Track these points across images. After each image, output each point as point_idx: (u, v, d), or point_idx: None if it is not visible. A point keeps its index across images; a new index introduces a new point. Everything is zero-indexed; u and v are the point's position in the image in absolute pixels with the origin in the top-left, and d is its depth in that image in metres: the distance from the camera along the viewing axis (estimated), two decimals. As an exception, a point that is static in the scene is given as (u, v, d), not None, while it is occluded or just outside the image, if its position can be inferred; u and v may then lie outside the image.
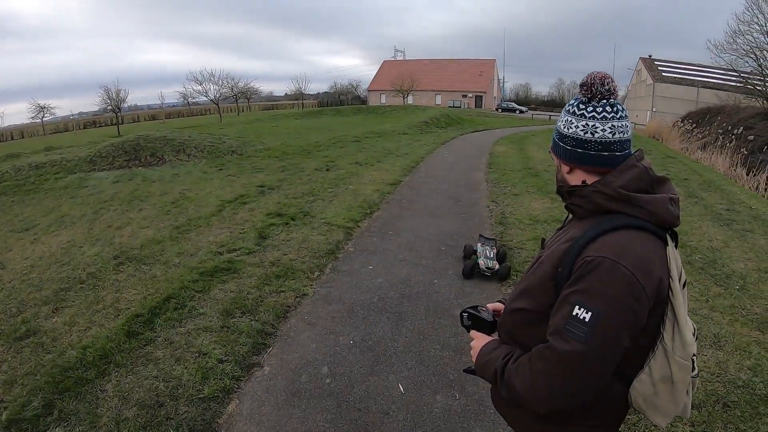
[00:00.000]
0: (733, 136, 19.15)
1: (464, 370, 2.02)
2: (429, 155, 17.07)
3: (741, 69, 29.98)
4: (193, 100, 68.21)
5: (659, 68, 57.06)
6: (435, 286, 5.84)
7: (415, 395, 3.88)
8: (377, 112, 47.50)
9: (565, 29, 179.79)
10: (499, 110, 69.27)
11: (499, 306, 2.03)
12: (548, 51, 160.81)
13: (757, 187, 14.21)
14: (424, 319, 5.06)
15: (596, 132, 1.59)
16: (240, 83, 64.32)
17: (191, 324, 5.06)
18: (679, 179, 11.81)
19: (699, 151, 20.86)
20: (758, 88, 28.12)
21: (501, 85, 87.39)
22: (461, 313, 1.99)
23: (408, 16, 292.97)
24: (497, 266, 5.89)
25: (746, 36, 28.47)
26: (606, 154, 1.60)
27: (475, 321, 1.94)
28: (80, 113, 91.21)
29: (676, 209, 1.58)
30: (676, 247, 1.61)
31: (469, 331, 1.95)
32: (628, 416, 1.92)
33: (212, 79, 59.84)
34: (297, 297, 5.65)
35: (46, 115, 67.32)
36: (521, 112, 68.43)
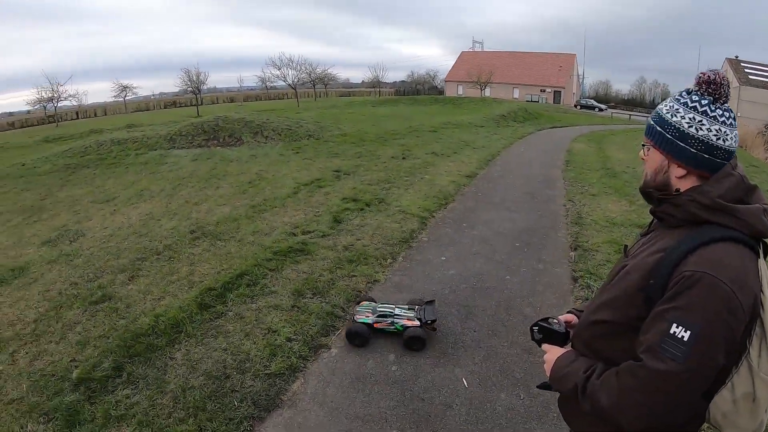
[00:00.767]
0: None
1: (538, 386, 1.96)
2: (506, 149, 16.88)
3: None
4: (272, 85, 70.31)
5: (746, 70, 53.23)
6: (507, 283, 5.75)
7: (479, 391, 3.85)
8: (454, 102, 47.21)
9: (646, 23, 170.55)
10: (578, 107, 66.99)
11: (570, 317, 1.98)
12: (629, 46, 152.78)
13: None
14: (494, 315, 5.00)
15: (726, 140, 1.51)
16: (318, 69, 65.64)
17: (262, 301, 5.25)
18: (763, 191, 11.02)
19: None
20: None
21: (580, 81, 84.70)
22: (531, 328, 1.94)
23: (486, 5, 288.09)
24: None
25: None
26: (724, 163, 1.53)
27: (546, 334, 1.89)
28: (161, 93, 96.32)
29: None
30: (765, 258, 1.54)
31: (540, 345, 1.90)
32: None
33: (291, 64, 61.38)
34: (368, 282, 5.74)
35: (128, 95, 71.23)
36: (600, 110, 65.93)
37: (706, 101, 1.53)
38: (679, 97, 1.59)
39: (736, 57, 56.24)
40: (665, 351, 1.36)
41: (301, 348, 4.39)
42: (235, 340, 4.55)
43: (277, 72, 61.24)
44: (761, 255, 1.49)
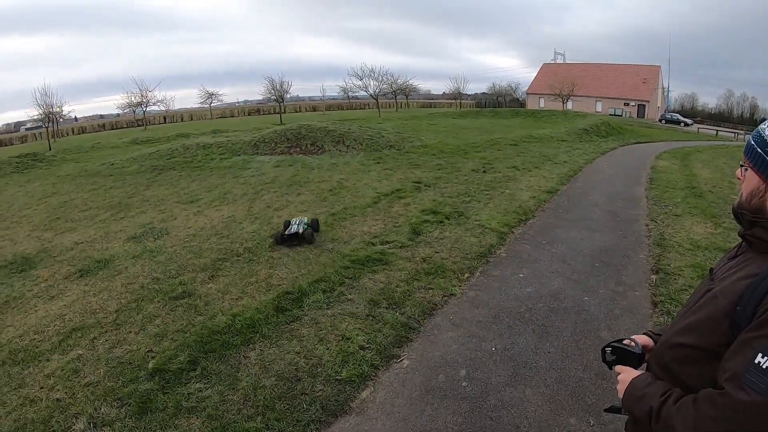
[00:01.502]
0: None
1: (606, 410, 1.93)
2: (588, 165, 16.43)
3: None
4: (353, 94, 71.70)
5: None
6: (585, 304, 5.61)
7: (548, 414, 3.78)
8: (535, 116, 46.43)
9: (735, 32, 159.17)
10: (663, 121, 64.56)
11: (646, 340, 1.91)
12: (716, 57, 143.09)
13: None
14: (570, 337, 4.89)
15: None
16: (399, 80, 66.45)
17: (338, 308, 5.39)
18: None
19: None
20: None
21: (665, 94, 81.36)
22: (603, 349, 1.90)
23: (567, 15, 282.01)
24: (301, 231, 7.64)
25: None
26: None
27: (620, 355, 1.85)
28: (245, 101, 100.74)
29: None
30: None
31: (611, 367, 1.87)
32: None
33: (372, 75, 62.48)
34: (445, 296, 5.77)
35: (213, 101, 74.82)
36: (686, 124, 63.05)
37: None
38: None
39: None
40: (749, 381, 1.32)
41: (373, 357, 4.47)
42: (309, 344, 4.70)
43: (359, 82, 62.56)
44: None
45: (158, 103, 65.50)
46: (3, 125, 79.25)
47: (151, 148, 23.36)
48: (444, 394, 4.01)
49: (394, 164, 15.27)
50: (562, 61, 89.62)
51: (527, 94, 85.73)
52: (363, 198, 10.46)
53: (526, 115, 47.68)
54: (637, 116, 67.88)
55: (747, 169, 1.60)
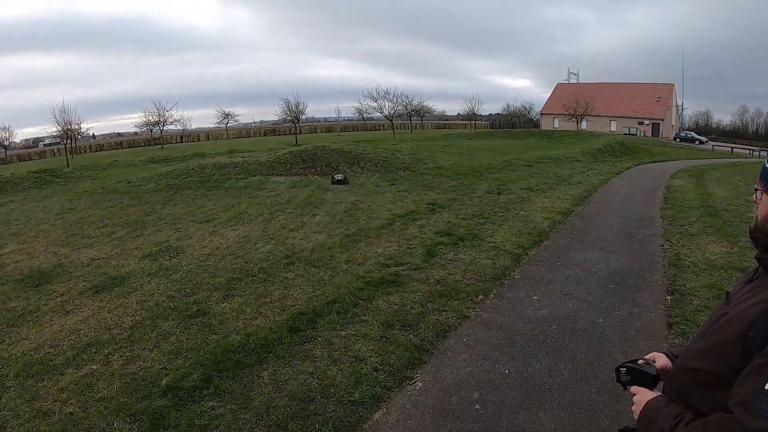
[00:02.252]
0: None
1: (620, 430, 1.93)
2: (603, 185, 16.41)
3: None
4: (368, 116, 72.30)
5: None
6: (599, 326, 5.58)
7: None
8: (550, 136, 46.58)
9: (748, 46, 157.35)
10: (677, 140, 64.43)
11: (664, 361, 1.93)
12: (729, 72, 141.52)
13: None
14: (584, 359, 4.86)
15: None
16: (414, 101, 67.03)
17: (352, 329, 5.42)
18: None
19: None
20: None
21: (679, 111, 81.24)
22: (618, 369, 1.91)
23: (580, 33, 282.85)
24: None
25: None
26: None
27: (635, 375, 1.86)
28: (261, 121, 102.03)
29: None
30: None
31: (625, 388, 1.88)
32: None
33: (387, 96, 63.08)
34: (458, 318, 5.77)
35: (230, 122, 75.65)
36: (701, 142, 62.77)
37: None
38: None
39: None
40: (757, 407, 1.32)
41: (387, 378, 4.48)
42: (322, 365, 4.72)
43: (374, 104, 63.17)
44: None
45: (175, 123, 66.52)
46: (22, 141, 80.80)
47: (167, 167, 23.73)
48: (457, 417, 4.00)
49: (408, 186, 15.36)
50: (575, 81, 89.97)
51: (541, 114, 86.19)
52: (378, 219, 10.53)
53: (541, 136, 47.87)
54: (652, 135, 67.95)
55: (762, 194, 1.62)
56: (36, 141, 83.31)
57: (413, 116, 70.81)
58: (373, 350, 4.95)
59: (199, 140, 73.68)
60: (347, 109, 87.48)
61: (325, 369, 4.64)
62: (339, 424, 3.87)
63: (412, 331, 5.36)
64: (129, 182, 18.84)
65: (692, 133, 69.84)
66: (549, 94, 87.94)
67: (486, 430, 3.84)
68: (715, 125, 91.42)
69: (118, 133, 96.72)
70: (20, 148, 74.11)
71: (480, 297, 6.40)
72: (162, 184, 17.56)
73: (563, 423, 3.93)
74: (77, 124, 51.12)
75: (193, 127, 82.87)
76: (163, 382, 4.49)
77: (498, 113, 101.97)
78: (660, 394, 1.75)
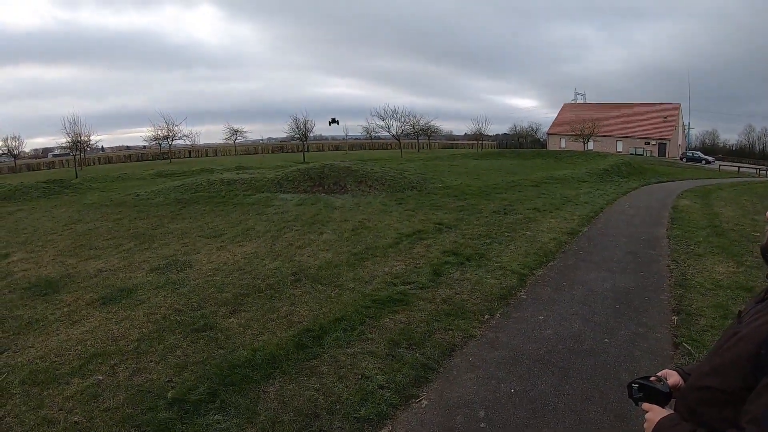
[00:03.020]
0: None
1: None
2: (609, 206, 16.49)
3: None
4: (376, 135, 72.77)
5: None
6: (605, 346, 5.59)
7: None
8: (556, 156, 46.84)
9: (755, 64, 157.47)
10: (684, 159, 64.56)
11: (676, 378, 1.96)
12: (735, 91, 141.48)
13: None
14: (590, 380, 4.87)
15: None
16: (421, 121, 67.42)
17: (358, 347, 5.44)
18: None
19: None
20: None
21: (686, 131, 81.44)
22: (630, 385, 1.93)
23: (586, 53, 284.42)
24: None
25: None
26: None
27: (647, 392, 1.88)
28: (269, 138, 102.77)
29: None
30: None
31: (637, 404, 1.89)
32: None
33: (395, 115, 63.51)
34: (464, 337, 5.79)
35: (238, 138, 76.33)
36: (708, 162, 62.96)
37: None
38: None
39: None
40: None
41: (392, 396, 4.49)
42: (328, 381, 4.74)
43: (382, 123, 63.59)
44: None
45: (184, 138, 67.07)
46: (31, 150, 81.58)
47: (176, 181, 23.89)
48: (461, 436, 4.00)
49: (415, 205, 15.40)
50: (582, 101, 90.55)
51: (548, 134, 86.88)
52: (385, 239, 10.56)
53: (548, 156, 48.08)
54: (658, 155, 68.29)
55: None
56: (45, 151, 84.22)
57: (420, 135, 71.13)
58: (379, 368, 4.97)
59: (207, 155, 74.22)
60: (355, 128, 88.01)
61: (331, 386, 4.65)
62: (344, 440, 3.89)
63: (418, 350, 5.38)
64: (137, 195, 19.01)
65: (699, 152, 70.06)
66: (556, 115, 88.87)
67: (491, 450, 3.85)
68: (722, 144, 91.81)
69: (127, 146, 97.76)
70: (30, 158, 74.87)
71: (486, 316, 6.41)
72: (170, 198, 17.70)
73: (569, 444, 3.93)
74: (87, 135, 51.73)
75: (202, 142, 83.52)
76: (169, 394, 4.52)
77: (505, 133, 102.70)
78: (672, 412, 1.77)
